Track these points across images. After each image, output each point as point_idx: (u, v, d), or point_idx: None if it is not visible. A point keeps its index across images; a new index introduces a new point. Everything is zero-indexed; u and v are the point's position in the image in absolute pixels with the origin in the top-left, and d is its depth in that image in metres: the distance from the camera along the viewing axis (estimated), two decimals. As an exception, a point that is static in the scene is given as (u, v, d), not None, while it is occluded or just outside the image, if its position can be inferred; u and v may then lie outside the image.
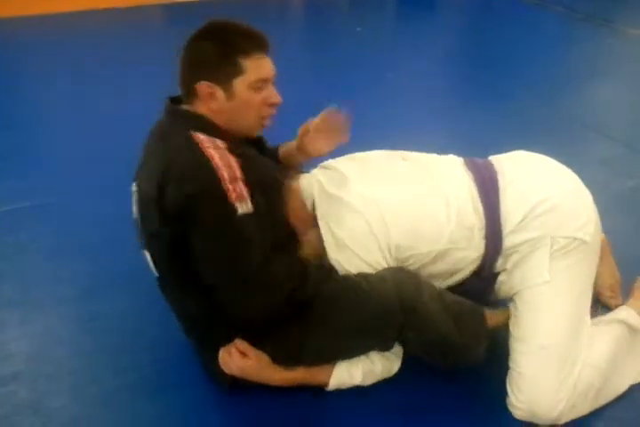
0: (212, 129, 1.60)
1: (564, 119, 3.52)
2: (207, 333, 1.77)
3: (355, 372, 1.77)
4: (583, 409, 1.69)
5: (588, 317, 1.76)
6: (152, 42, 4.79)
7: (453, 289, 1.80)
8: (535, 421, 1.67)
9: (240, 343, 1.73)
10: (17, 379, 1.82)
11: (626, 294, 2.04)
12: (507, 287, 1.78)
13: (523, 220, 1.71)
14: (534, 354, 1.68)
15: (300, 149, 1.81)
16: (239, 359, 1.74)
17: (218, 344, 1.75)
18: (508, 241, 1.72)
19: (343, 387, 1.77)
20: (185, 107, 1.64)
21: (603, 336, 1.79)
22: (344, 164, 1.83)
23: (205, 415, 1.75)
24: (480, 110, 3.60)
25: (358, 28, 5.27)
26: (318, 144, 1.80)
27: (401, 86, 4.02)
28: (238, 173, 1.52)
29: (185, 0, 5.76)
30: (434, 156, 1.92)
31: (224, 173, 1.49)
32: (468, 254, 1.73)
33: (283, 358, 1.75)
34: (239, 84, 1.57)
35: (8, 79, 4.18)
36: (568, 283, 1.72)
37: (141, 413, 1.73)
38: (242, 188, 1.51)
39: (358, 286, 1.66)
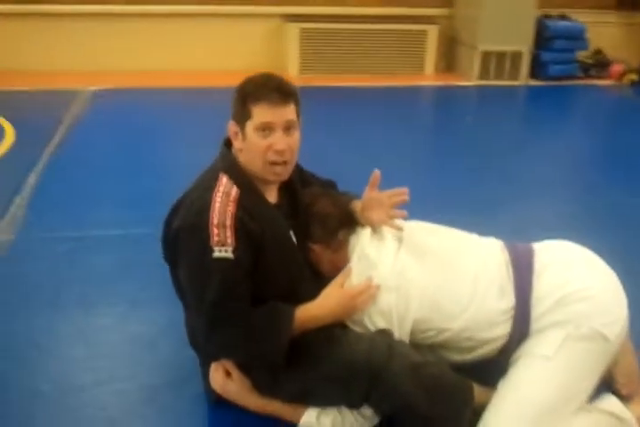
0: (237, 171, 1.78)
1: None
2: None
3: (324, 421, 1.83)
4: None
5: (576, 403, 1.74)
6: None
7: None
8: None
9: (228, 363, 1.87)
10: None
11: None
12: (516, 353, 1.82)
13: (552, 305, 1.77)
14: (508, 412, 1.72)
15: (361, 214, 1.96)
16: (222, 378, 1.88)
17: (213, 359, 1.91)
18: (536, 325, 1.79)
19: None
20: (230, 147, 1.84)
21: (585, 418, 1.76)
22: (389, 230, 1.94)
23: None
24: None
25: (468, 118, 5.41)
26: (372, 217, 1.94)
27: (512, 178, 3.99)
28: (229, 222, 1.67)
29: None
30: (473, 236, 2.01)
31: (214, 218, 1.67)
32: (492, 334, 1.81)
33: (260, 387, 1.87)
34: (249, 127, 1.74)
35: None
36: (568, 365, 1.74)
37: None
38: (228, 235, 1.66)
39: (337, 340, 1.78)
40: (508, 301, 1.80)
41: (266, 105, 1.71)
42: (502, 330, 1.80)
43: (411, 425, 1.79)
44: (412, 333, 1.82)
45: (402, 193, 1.95)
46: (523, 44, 6.51)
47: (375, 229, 1.93)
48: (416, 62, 6.71)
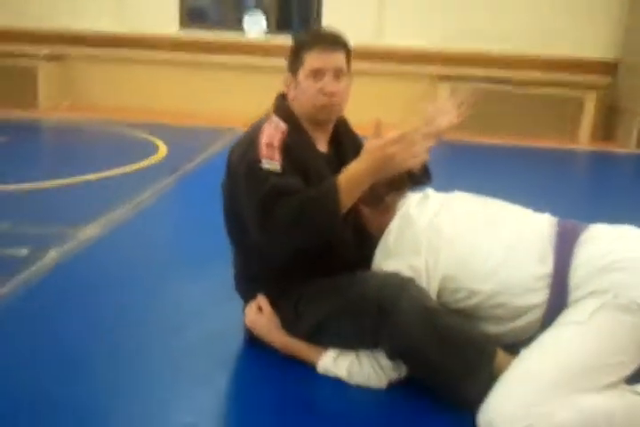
0: (285, 112, 1.91)
1: None
2: (245, 287, 2.03)
3: (341, 363, 1.84)
4: None
5: (605, 378, 1.60)
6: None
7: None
8: None
9: (262, 299, 1.95)
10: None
11: None
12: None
13: (592, 273, 1.69)
14: (526, 371, 1.64)
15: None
16: (254, 313, 1.96)
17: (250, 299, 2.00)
18: (574, 294, 1.70)
19: (330, 374, 1.85)
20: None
21: (615, 396, 1.60)
22: (437, 196, 1.98)
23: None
24: None
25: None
26: (441, 124, 2.03)
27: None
28: (277, 143, 1.79)
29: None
30: (525, 209, 1.97)
31: (264, 139, 1.80)
32: (527, 302, 1.74)
33: (285, 323, 1.92)
34: (301, 74, 1.87)
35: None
36: (600, 332, 1.63)
37: None
38: (275, 153, 1.77)
39: (354, 276, 1.83)
40: (546, 267, 1.72)
41: (317, 52, 1.85)
42: (538, 298, 1.72)
43: (422, 373, 1.75)
44: (442, 292, 1.80)
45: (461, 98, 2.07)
46: (689, 113, 6.19)
47: (425, 195, 1.95)
48: (571, 128, 6.59)
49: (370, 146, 1.70)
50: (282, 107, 1.93)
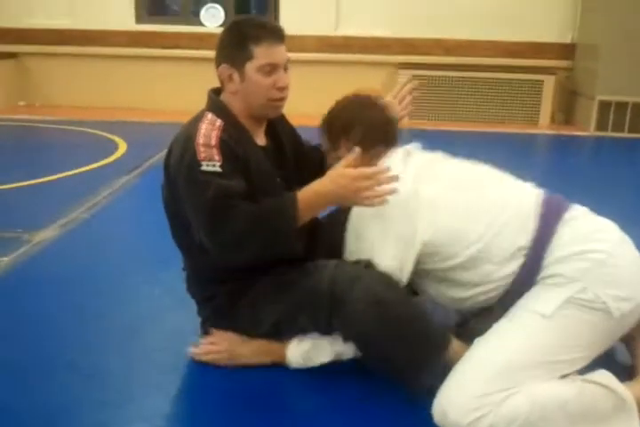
0: (221, 109, 1.87)
1: None
2: (196, 288, 2.01)
3: (302, 350, 1.83)
4: None
5: (556, 371, 1.61)
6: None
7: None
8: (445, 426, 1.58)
9: (204, 340, 1.93)
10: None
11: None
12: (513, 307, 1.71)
13: (569, 255, 1.66)
14: (479, 359, 1.64)
15: None
16: (210, 348, 1.91)
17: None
18: (544, 272, 1.68)
19: (299, 365, 1.85)
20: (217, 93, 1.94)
21: (566, 383, 1.61)
22: (422, 155, 1.91)
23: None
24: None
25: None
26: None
27: None
28: (214, 142, 1.75)
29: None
30: (510, 176, 1.92)
31: (200, 140, 1.75)
32: (499, 270, 1.71)
33: (245, 327, 1.90)
34: (250, 67, 1.80)
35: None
36: (564, 330, 1.63)
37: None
38: (214, 153, 1.73)
39: (307, 268, 1.81)
40: (526, 239, 1.69)
41: (269, 46, 1.80)
42: (510, 268, 1.70)
43: (375, 363, 1.76)
44: (419, 256, 1.74)
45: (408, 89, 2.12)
46: (646, 95, 6.26)
47: (410, 153, 1.87)
48: (531, 112, 6.64)
49: (339, 172, 1.69)
50: (215, 103, 1.89)
